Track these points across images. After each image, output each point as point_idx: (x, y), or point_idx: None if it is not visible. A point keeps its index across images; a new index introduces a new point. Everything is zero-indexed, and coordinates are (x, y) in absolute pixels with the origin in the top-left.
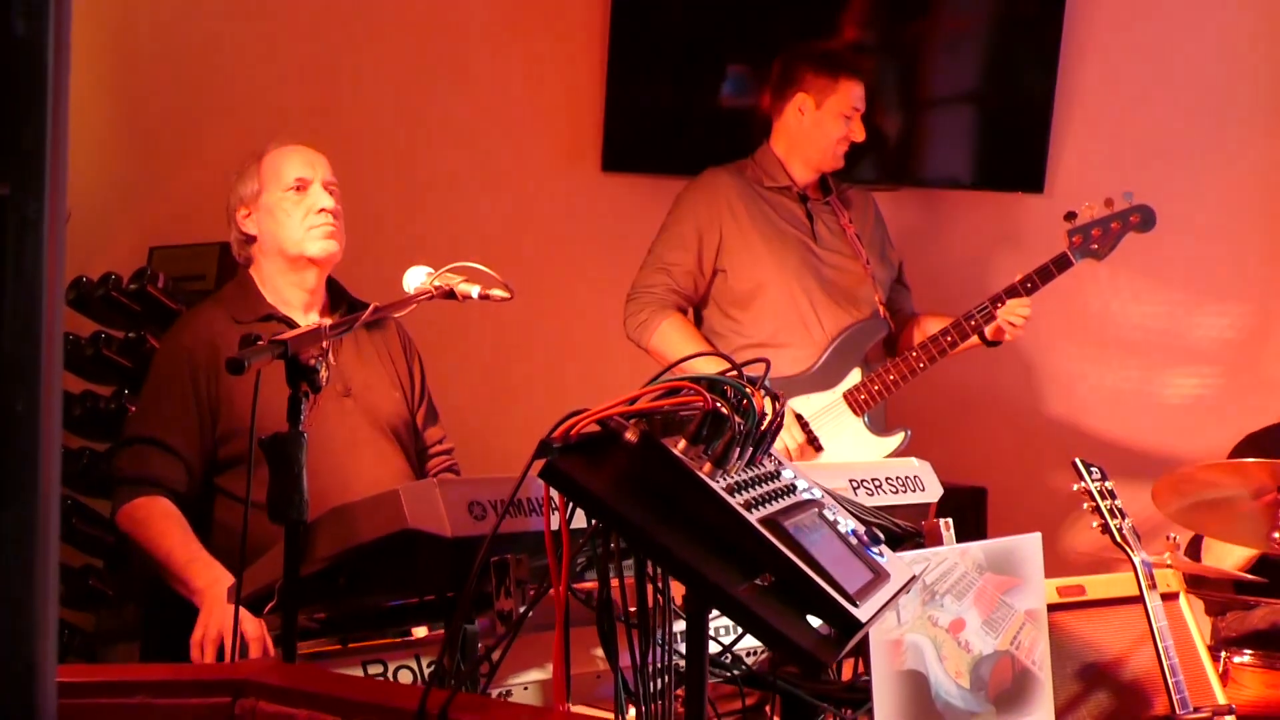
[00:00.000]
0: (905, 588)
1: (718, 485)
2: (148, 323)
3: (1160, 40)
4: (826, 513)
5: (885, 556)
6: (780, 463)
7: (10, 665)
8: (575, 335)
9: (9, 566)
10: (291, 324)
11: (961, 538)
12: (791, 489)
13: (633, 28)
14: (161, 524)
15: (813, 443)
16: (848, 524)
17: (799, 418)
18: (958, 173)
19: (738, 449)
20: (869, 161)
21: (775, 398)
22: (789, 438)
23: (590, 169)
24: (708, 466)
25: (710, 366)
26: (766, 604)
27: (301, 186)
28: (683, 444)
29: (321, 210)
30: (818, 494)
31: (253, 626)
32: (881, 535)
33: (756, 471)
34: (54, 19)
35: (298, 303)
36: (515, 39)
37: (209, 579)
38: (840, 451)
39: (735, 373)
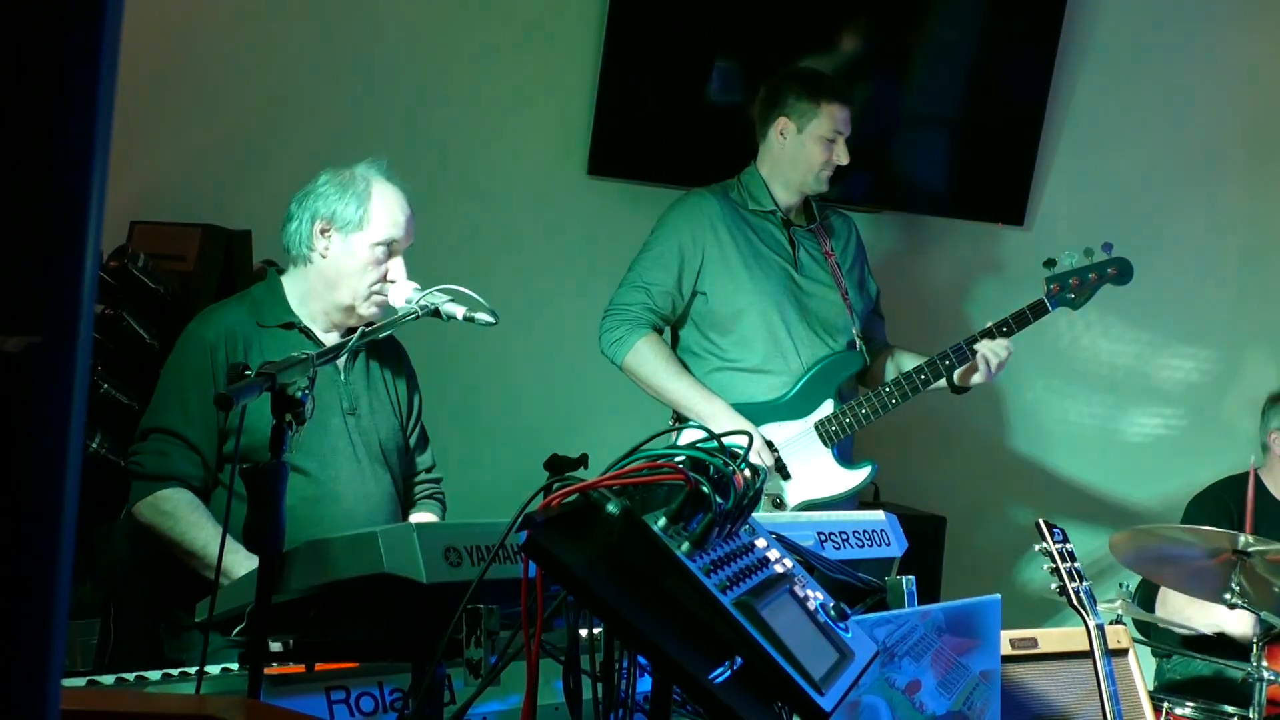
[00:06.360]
0: (869, 664)
1: (695, 566)
2: (125, 301)
3: (1145, 88)
4: (797, 588)
5: (851, 632)
6: (754, 530)
7: None
8: (556, 340)
9: None
10: (311, 336)
11: (919, 566)
12: (765, 563)
13: (630, 28)
14: (192, 515)
15: (781, 470)
16: (816, 598)
17: (769, 444)
18: (939, 200)
19: (717, 528)
20: (849, 182)
21: (756, 471)
22: (759, 461)
23: (576, 173)
24: (686, 546)
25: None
26: (734, 693)
27: (392, 250)
28: (663, 521)
29: (391, 282)
30: (789, 564)
31: None
32: (849, 611)
33: (731, 546)
34: (97, 170)
35: (322, 322)
36: (505, 39)
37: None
38: (807, 481)
39: (716, 445)
